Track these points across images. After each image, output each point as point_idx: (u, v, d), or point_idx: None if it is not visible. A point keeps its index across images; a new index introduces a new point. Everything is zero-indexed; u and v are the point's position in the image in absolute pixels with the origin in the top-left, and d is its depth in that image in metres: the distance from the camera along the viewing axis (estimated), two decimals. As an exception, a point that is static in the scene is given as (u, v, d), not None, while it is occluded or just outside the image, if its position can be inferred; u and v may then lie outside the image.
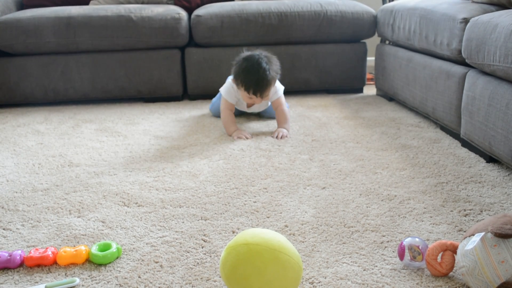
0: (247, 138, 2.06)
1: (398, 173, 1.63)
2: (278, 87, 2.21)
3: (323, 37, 2.84)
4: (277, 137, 2.06)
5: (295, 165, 1.74)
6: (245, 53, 2.14)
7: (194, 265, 1.11)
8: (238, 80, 2.09)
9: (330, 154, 1.84)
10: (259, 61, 2.06)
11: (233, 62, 2.14)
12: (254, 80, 2.04)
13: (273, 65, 2.09)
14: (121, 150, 1.95)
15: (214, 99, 2.50)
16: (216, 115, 2.45)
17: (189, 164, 1.78)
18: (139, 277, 1.07)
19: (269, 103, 2.34)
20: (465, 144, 1.86)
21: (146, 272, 1.09)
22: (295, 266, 0.94)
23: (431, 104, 2.10)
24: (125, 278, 1.07)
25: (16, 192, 1.56)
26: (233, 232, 1.26)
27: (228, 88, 2.21)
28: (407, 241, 1.08)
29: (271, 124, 2.30)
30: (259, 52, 2.12)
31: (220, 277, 1.06)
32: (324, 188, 1.53)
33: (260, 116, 2.48)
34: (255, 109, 2.36)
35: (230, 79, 2.26)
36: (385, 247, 1.17)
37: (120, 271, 1.10)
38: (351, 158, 1.79)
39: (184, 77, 2.90)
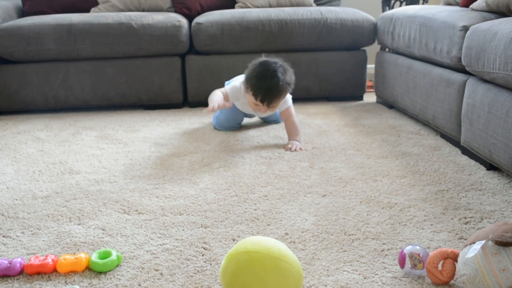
0: (216, 107, 1.97)
1: (399, 181, 1.63)
2: (287, 97, 2.14)
3: (323, 44, 2.85)
4: (290, 149, 1.98)
5: (296, 172, 1.74)
6: (263, 58, 2.05)
7: (194, 273, 1.11)
8: (248, 84, 2.00)
9: (330, 162, 1.84)
10: (274, 69, 1.97)
11: (249, 64, 2.06)
12: (264, 87, 1.96)
13: (288, 76, 2.01)
14: (121, 158, 1.95)
15: (216, 113, 2.36)
16: (219, 128, 2.34)
17: (189, 171, 1.78)
18: (139, 285, 1.07)
19: (277, 111, 2.28)
20: (465, 151, 1.86)
21: (146, 280, 1.09)
22: (295, 274, 0.94)
23: (431, 112, 2.11)
24: (125, 286, 1.07)
25: (16, 199, 1.56)
26: (234, 240, 1.26)
27: (235, 87, 2.15)
28: (407, 249, 1.08)
29: (271, 132, 2.30)
30: (277, 60, 2.03)
31: (220, 285, 1.06)
32: (324, 195, 1.53)
33: (263, 122, 2.48)
34: (262, 114, 2.26)
35: (241, 78, 2.17)
36: (386, 255, 1.17)
37: (120, 279, 1.10)
38: (351, 166, 1.79)
39: (184, 85, 2.91)
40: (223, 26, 2.75)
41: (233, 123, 2.33)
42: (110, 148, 2.09)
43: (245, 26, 2.76)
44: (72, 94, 2.80)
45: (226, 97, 2.15)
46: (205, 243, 1.25)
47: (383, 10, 3.34)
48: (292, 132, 2.09)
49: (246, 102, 2.15)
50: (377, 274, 1.09)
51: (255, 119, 2.52)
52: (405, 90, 2.41)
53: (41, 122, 2.59)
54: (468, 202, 1.45)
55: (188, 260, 1.17)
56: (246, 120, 2.48)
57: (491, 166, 1.70)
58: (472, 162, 1.79)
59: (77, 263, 1.13)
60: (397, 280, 1.07)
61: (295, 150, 1.97)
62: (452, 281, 1.06)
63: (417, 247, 1.08)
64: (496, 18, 1.81)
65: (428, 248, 1.19)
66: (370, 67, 3.60)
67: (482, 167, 1.73)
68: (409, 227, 1.30)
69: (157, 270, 1.13)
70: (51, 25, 2.68)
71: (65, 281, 1.10)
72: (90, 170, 1.82)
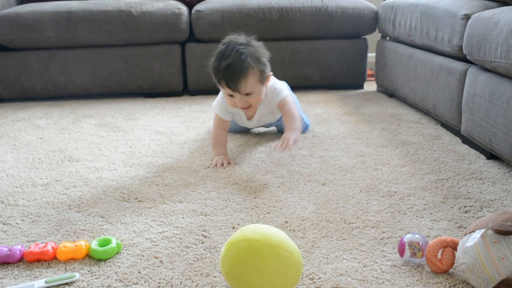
0: (220, 165, 1.69)
1: (399, 170, 1.63)
2: (279, 89, 1.78)
3: (323, 32, 2.83)
4: (282, 146, 1.58)
5: (295, 161, 1.73)
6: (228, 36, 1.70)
7: (194, 261, 1.11)
8: (211, 70, 1.66)
9: (330, 150, 1.84)
10: (235, 44, 1.63)
11: None
12: (225, 65, 1.59)
13: (257, 51, 1.65)
14: (121, 145, 1.95)
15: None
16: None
17: (189, 159, 1.78)
18: (139, 272, 1.07)
19: (279, 116, 1.91)
20: (466, 140, 1.86)
21: (146, 267, 1.09)
22: (295, 262, 0.94)
23: (432, 101, 2.10)
24: (125, 273, 1.07)
25: (16, 187, 1.56)
26: (233, 228, 1.26)
27: (219, 100, 1.82)
28: (407, 237, 1.08)
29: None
30: (243, 37, 1.68)
31: (220, 272, 1.06)
32: (324, 184, 1.53)
33: (265, 134, 2.07)
34: (258, 122, 1.91)
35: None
36: (385, 243, 1.17)
37: (120, 267, 1.10)
38: (351, 154, 1.79)
39: (184, 73, 2.90)
40: (223, 14, 2.74)
41: (242, 130, 2.09)
42: (109, 136, 2.08)
43: (246, 13, 2.75)
44: (72, 82, 2.79)
45: (223, 123, 1.82)
46: (204, 231, 1.25)
47: (384, -2, 3.32)
48: (287, 118, 1.72)
49: (238, 111, 1.82)
50: (376, 262, 1.09)
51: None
52: (405, 79, 2.40)
53: (40, 110, 2.58)
54: (468, 191, 1.45)
55: (188, 247, 1.17)
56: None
57: (491, 155, 1.70)
58: (473, 151, 1.79)
59: (77, 251, 1.13)
60: (397, 268, 1.07)
61: (287, 147, 1.58)
62: (451, 270, 1.06)
63: (417, 235, 1.08)
64: (498, 6, 1.80)
65: (428, 236, 1.20)
66: (371, 55, 3.58)
67: (482, 156, 1.73)
68: (408, 215, 1.30)
69: (156, 258, 1.13)
70: (51, 12, 2.66)
71: (65, 269, 1.10)
72: (89, 158, 1.81)
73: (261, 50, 1.68)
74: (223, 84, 1.64)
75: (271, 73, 1.75)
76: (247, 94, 1.67)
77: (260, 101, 1.74)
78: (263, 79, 1.68)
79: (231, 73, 1.60)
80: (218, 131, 1.81)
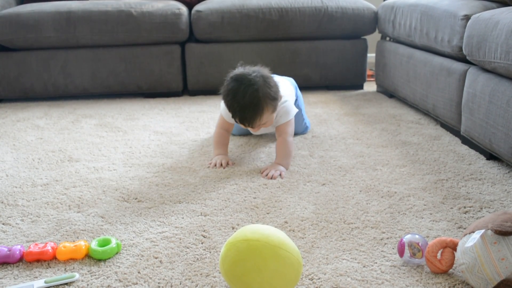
0: (219, 165, 1.70)
1: (398, 170, 1.63)
2: (288, 109, 1.75)
3: (323, 33, 2.83)
4: (267, 176, 1.60)
5: (295, 161, 1.73)
6: (238, 69, 1.67)
7: (193, 261, 1.11)
8: (224, 103, 1.66)
9: (330, 151, 1.84)
10: (249, 83, 1.58)
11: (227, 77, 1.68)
12: (239, 107, 1.59)
13: (270, 87, 1.62)
14: (121, 146, 1.95)
15: None
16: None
17: (189, 159, 1.78)
18: (139, 272, 1.07)
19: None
20: (466, 141, 1.86)
21: (145, 267, 1.09)
22: (294, 262, 0.94)
23: (432, 101, 2.10)
24: (125, 273, 1.07)
25: (16, 187, 1.56)
26: (233, 228, 1.26)
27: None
28: (407, 238, 1.08)
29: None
30: (254, 70, 1.64)
31: (219, 273, 1.06)
32: (324, 184, 1.53)
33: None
34: (262, 131, 1.92)
35: None
36: (385, 243, 1.17)
37: (119, 267, 1.10)
38: (351, 155, 1.79)
39: (184, 73, 2.90)
40: (223, 14, 2.74)
41: (246, 133, 2.06)
42: (109, 136, 2.08)
43: (245, 14, 2.75)
44: (72, 82, 2.79)
45: (226, 125, 1.81)
46: (204, 231, 1.25)
47: (384, -1, 3.32)
48: (280, 152, 1.69)
49: None
50: (376, 263, 1.09)
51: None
52: (405, 79, 2.40)
53: (40, 110, 2.58)
54: (468, 191, 1.45)
55: (188, 248, 1.17)
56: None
57: (491, 156, 1.70)
58: (472, 151, 1.79)
59: (76, 251, 1.13)
60: (396, 268, 1.07)
61: (272, 177, 1.59)
62: (451, 270, 1.06)
63: (416, 236, 1.08)
64: (498, 7, 1.80)
65: (427, 237, 1.20)
66: (371, 56, 3.58)
67: (482, 156, 1.73)
68: (408, 216, 1.30)
69: (156, 258, 1.13)
70: (50, 12, 2.66)
71: (65, 269, 1.10)
72: (89, 158, 1.81)
73: (271, 81, 1.65)
74: (237, 121, 1.65)
75: (281, 94, 1.71)
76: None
77: (272, 123, 1.73)
78: (275, 109, 1.67)
79: (246, 115, 1.60)
80: (220, 131, 1.81)
